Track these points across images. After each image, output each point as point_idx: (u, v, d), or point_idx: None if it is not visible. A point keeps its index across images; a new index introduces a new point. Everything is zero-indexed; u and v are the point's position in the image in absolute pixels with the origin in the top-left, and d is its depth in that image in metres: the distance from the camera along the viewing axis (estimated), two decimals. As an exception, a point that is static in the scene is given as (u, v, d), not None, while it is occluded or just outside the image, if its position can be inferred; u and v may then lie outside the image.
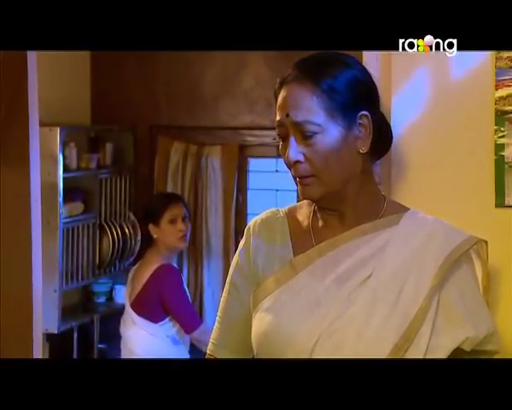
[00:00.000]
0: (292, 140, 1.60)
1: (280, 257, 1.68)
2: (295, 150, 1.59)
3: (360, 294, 1.59)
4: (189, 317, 3.98)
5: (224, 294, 1.77)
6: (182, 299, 3.99)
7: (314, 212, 1.71)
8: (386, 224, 1.65)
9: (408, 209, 1.69)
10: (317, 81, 1.59)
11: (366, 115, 1.61)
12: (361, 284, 1.59)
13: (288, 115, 1.59)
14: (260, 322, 1.64)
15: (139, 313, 3.98)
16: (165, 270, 4.00)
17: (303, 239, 1.68)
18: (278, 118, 1.61)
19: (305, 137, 1.59)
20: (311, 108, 1.59)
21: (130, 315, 4.02)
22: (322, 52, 1.66)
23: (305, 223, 1.71)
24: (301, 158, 1.59)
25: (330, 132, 1.59)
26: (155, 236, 4.05)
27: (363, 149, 1.62)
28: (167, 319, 4.00)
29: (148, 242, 4.13)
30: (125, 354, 4.03)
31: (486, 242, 1.64)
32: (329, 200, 1.63)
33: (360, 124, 1.61)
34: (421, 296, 1.56)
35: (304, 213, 1.73)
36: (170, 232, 4.04)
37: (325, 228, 1.68)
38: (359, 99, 1.61)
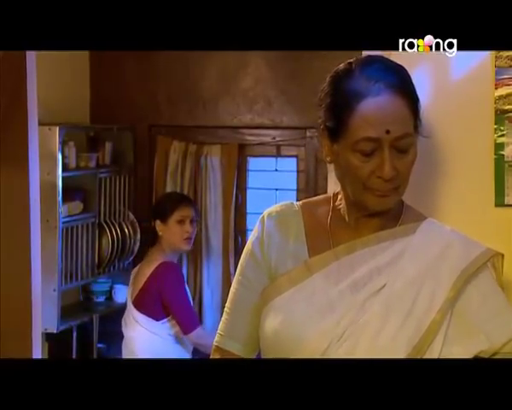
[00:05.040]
0: (389, 156, 1.55)
1: (293, 254, 1.67)
2: (392, 166, 1.56)
3: (374, 302, 1.58)
4: (187, 317, 3.96)
5: (235, 284, 1.73)
6: (181, 298, 3.98)
7: (333, 210, 1.69)
8: (403, 232, 1.64)
9: (425, 218, 1.68)
10: (407, 91, 1.57)
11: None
12: (375, 293, 1.59)
13: (388, 132, 1.54)
14: (271, 321, 1.62)
15: (141, 311, 3.98)
16: (166, 267, 4.00)
17: (319, 238, 1.67)
18: (372, 135, 1.54)
19: (401, 151, 1.56)
20: (408, 121, 1.57)
21: (131, 313, 4.02)
22: (382, 57, 1.63)
23: (323, 221, 1.69)
24: (395, 173, 1.56)
25: (416, 143, 1.59)
26: (160, 233, 4.06)
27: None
28: (169, 317, 3.99)
29: (151, 239, 4.13)
30: (125, 355, 4.02)
31: (503, 255, 1.64)
32: (392, 209, 1.64)
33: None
34: (435, 308, 1.56)
35: (321, 210, 1.71)
36: (176, 232, 4.06)
37: (346, 229, 1.66)
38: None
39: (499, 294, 1.62)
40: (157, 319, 3.98)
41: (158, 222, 4.09)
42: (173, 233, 4.07)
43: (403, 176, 1.58)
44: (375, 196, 1.59)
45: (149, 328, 3.97)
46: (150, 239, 4.19)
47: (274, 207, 1.74)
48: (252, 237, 1.73)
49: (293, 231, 1.69)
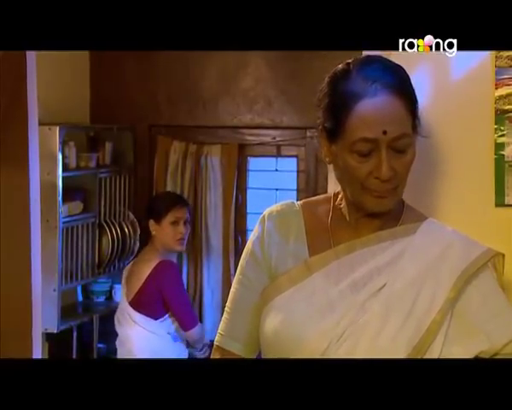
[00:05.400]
0: (386, 156, 1.54)
1: (294, 253, 1.67)
2: (389, 167, 1.55)
3: (374, 302, 1.58)
4: (188, 315, 3.99)
5: (235, 284, 1.73)
6: (181, 296, 4.01)
7: (334, 210, 1.69)
8: (403, 232, 1.64)
9: (426, 218, 1.68)
10: (405, 92, 1.57)
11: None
12: (375, 293, 1.59)
13: (385, 132, 1.53)
14: (271, 320, 1.62)
15: (139, 311, 3.98)
16: (165, 266, 4.01)
17: (320, 238, 1.67)
18: (369, 136, 1.54)
19: (399, 151, 1.56)
20: (405, 121, 1.56)
21: (128, 313, 4.02)
22: (380, 57, 1.63)
23: (324, 221, 1.69)
24: (393, 174, 1.56)
25: (414, 143, 1.59)
26: (154, 233, 4.07)
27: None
28: (167, 316, 4.00)
29: (145, 238, 4.14)
30: (122, 354, 4.03)
31: (503, 255, 1.63)
32: (392, 209, 1.63)
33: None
34: (435, 308, 1.55)
35: (322, 209, 1.71)
36: (169, 233, 4.07)
37: (346, 228, 1.66)
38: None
39: (500, 294, 1.62)
40: (155, 318, 3.99)
41: (151, 222, 4.10)
42: (166, 234, 4.08)
43: (401, 176, 1.58)
44: (373, 196, 1.58)
45: (147, 327, 3.98)
46: (143, 238, 4.20)
47: (274, 207, 1.73)
48: (252, 237, 1.73)
49: (294, 230, 1.69)
